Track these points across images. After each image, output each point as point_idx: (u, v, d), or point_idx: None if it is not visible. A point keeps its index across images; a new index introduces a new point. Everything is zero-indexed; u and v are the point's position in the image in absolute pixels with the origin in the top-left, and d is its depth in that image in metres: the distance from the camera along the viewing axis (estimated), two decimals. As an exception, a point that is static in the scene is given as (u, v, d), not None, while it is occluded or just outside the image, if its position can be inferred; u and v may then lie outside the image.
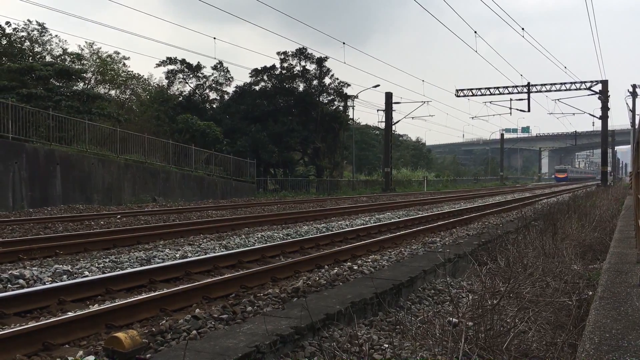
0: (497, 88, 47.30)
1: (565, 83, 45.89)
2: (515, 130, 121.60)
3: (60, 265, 7.89)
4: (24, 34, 36.06)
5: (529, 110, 46.60)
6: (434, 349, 3.99)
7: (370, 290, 5.76)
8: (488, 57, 79.41)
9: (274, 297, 5.84)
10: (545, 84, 46.38)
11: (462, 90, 48.45)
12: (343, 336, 4.63)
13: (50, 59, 35.43)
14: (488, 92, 47.61)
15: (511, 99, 47.23)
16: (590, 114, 49.93)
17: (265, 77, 44.75)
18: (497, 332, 4.22)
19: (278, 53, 44.59)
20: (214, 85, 45.55)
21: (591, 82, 45.55)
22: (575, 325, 4.53)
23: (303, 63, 44.57)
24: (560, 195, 30.77)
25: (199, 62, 44.09)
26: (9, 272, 7.25)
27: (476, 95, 48.07)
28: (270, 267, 7.95)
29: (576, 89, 45.82)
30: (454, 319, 4.78)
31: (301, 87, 44.84)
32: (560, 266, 6.83)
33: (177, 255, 9.19)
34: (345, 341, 4.46)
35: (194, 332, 4.63)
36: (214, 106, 45.95)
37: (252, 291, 6.73)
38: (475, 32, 33.36)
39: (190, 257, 8.77)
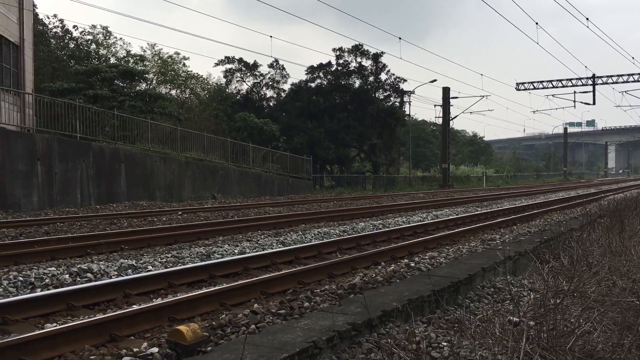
0: (560, 80, 45.74)
1: (633, 74, 43.85)
2: (579, 124, 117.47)
3: (126, 260, 8.18)
4: (90, 37, 37.58)
5: (594, 103, 44.84)
6: (493, 348, 3.92)
7: (428, 287, 5.69)
8: (550, 48, 77.00)
9: (330, 293, 5.87)
10: (611, 76, 44.51)
11: (522, 83, 47.20)
12: (400, 333, 4.60)
13: (115, 61, 36.74)
14: (550, 85, 46.12)
15: (575, 92, 45.52)
16: (660, 106, 47.60)
17: (321, 74, 44.88)
18: (560, 332, 4.10)
19: (334, 50, 44.59)
20: (270, 83, 46.10)
21: (662, 72, 43.42)
22: (644, 327, 4.34)
23: (359, 59, 44.46)
24: (628, 191, 29.50)
25: (255, 61, 44.72)
26: (78, 266, 7.58)
27: (537, 89, 46.72)
28: (327, 263, 8.00)
29: (645, 80, 43.75)
30: (515, 318, 4.67)
31: (357, 83, 44.75)
32: (628, 265, 6.56)
33: (236, 251, 9.36)
34: (403, 338, 4.43)
35: (253, 326, 4.70)
36: (271, 104, 46.51)
37: (309, 287, 6.78)
38: (537, 23, 32.32)
39: (248, 253, 8.91)
